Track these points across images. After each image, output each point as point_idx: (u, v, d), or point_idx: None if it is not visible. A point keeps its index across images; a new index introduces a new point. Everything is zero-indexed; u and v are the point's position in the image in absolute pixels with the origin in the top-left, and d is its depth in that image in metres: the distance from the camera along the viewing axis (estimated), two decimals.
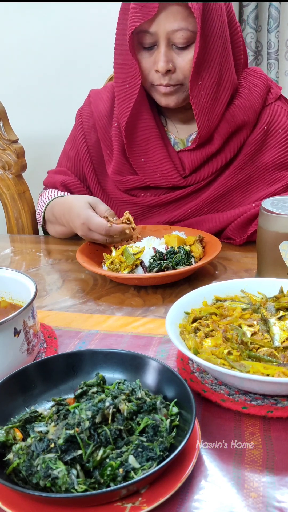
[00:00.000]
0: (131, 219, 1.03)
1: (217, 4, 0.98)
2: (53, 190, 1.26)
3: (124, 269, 0.95)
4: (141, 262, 0.96)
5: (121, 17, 1.03)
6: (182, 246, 0.98)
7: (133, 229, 1.02)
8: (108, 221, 1.00)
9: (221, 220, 1.12)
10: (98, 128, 1.18)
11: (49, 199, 1.23)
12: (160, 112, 1.17)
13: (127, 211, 1.05)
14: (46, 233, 1.31)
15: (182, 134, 1.17)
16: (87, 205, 1.03)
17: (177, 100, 1.07)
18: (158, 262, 0.94)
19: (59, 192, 1.24)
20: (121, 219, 1.02)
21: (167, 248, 0.98)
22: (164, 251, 0.97)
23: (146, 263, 0.96)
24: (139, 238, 1.07)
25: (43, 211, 1.24)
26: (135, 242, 1.04)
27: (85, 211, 1.02)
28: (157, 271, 0.93)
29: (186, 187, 1.14)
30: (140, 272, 0.95)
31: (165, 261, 0.94)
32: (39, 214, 1.27)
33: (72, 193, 1.23)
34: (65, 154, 1.27)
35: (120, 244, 1.03)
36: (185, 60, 1.00)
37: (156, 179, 1.13)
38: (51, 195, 1.23)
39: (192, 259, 0.96)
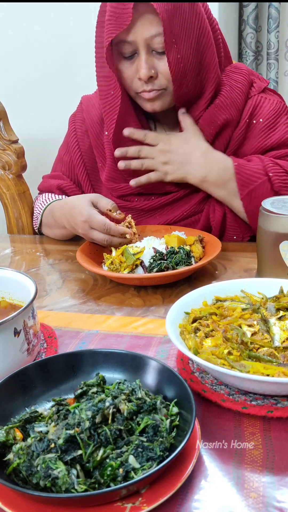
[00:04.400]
0: (133, 223, 1.03)
1: (192, 4, 0.98)
2: (50, 194, 1.26)
3: (124, 269, 0.95)
4: (141, 262, 0.96)
5: (98, 30, 1.03)
6: (182, 246, 0.98)
7: (134, 233, 1.02)
8: (110, 217, 1.00)
9: (217, 211, 1.13)
10: (91, 135, 1.18)
11: (46, 203, 1.23)
12: (148, 117, 1.16)
13: (129, 215, 1.05)
14: (41, 234, 1.31)
15: None
16: (89, 203, 1.03)
17: (163, 104, 1.07)
18: (158, 262, 0.94)
19: (56, 196, 1.24)
20: (122, 223, 1.03)
21: (167, 248, 0.98)
22: (164, 251, 0.97)
23: (146, 263, 0.96)
24: (140, 238, 1.07)
25: (40, 214, 1.24)
26: (136, 241, 1.04)
27: (87, 208, 1.02)
28: (157, 271, 0.93)
29: (177, 191, 1.14)
30: (140, 272, 0.95)
31: (165, 261, 0.94)
32: (37, 217, 1.27)
33: (68, 196, 1.23)
34: (59, 159, 1.27)
35: (118, 246, 1.03)
36: (166, 65, 1.00)
37: (148, 185, 1.13)
38: (48, 199, 1.24)
39: (192, 259, 0.96)
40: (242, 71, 1.12)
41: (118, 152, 1.11)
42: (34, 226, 1.32)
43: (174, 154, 1.09)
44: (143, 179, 1.12)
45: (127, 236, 1.01)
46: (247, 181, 1.05)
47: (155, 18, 0.95)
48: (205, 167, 1.08)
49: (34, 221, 1.32)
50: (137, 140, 1.11)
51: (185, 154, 1.08)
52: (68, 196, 1.22)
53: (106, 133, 1.13)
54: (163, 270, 0.93)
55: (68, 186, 1.23)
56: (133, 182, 1.12)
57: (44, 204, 1.23)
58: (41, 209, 1.24)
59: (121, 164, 1.11)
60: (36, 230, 1.32)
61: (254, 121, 1.11)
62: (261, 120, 1.10)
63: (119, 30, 0.96)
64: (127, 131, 1.10)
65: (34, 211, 1.31)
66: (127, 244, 1.02)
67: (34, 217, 1.32)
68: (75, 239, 1.23)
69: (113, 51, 1.03)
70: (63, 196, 1.23)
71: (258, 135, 1.11)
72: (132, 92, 1.07)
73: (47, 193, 1.26)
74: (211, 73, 1.05)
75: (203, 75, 1.05)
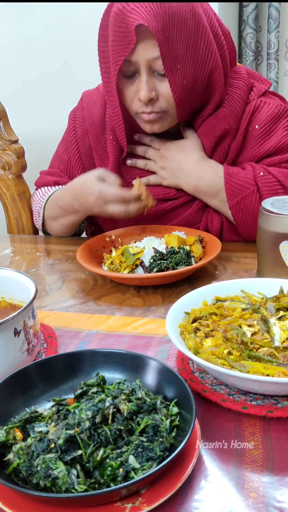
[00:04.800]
0: (143, 188, 1.02)
1: (186, 18, 0.93)
2: (46, 187, 1.24)
3: (124, 269, 0.95)
4: (141, 262, 0.96)
5: (100, 45, 1.01)
6: (182, 246, 0.98)
7: (148, 195, 1.02)
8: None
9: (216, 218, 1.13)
10: (91, 136, 1.17)
11: (45, 196, 1.21)
12: None
13: (137, 177, 1.05)
14: (46, 233, 1.30)
15: None
16: (97, 179, 1.03)
17: (162, 127, 1.06)
18: (158, 262, 0.94)
19: (53, 187, 1.22)
20: (133, 188, 1.02)
21: (167, 248, 0.98)
22: (164, 251, 0.97)
23: (146, 263, 0.96)
24: (140, 238, 1.07)
25: (42, 208, 1.22)
26: (152, 207, 1.04)
27: (98, 184, 1.01)
28: (157, 271, 0.93)
29: (177, 198, 1.13)
30: (140, 272, 0.95)
31: (165, 261, 0.94)
32: (38, 213, 1.25)
33: None
34: (58, 156, 1.26)
35: (135, 217, 1.03)
36: (168, 87, 0.98)
37: (149, 190, 1.11)
38: (47, 192, 1.22)
39: (192, 259, 0.96)
40: (242, 76, 1.10)
41: (129, 161, 1.15)
42: (36, 223, 1.30)
43: (170, 161, 1.10)
44: (143, 179, 1.12)
45: (143, 198, 1.00)
46: (236, 190, 1.05)
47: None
48: (197, 176, 1.08)
49: (35, 219, 1.30)
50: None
51: (180, 162, 1.09)
52: None
53: (111, 137, 1.12)
54: (163, 270, 0.93)
55: (66, 183, 1.21)
56: (136, 181, 1.12)
57: (44, 198, 1.22)
58: (42, 203, 1.23)
59: (128, 161, 1.14)
60: (39, 227, 1.29)
61: (250, 128, 1.09)
62: (257, 126, 1.09)
63: (125, 53, 0.94)
64: (129, 161, 1.14)
65: (33, 208, 1.29)
66: (144, 209, 1.02)
67: (34, 214, 1.29)
68: (75, 238, 1.23)
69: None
70: (61, 187, 1.22)
71: (254, 143, 1.10)
72: (132, 112, 1.05)
73: (44, 188, 1.25)
74: (217, 91, 1.04)
75: (208, 93, 1.04)
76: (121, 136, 1.08)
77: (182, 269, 0.91)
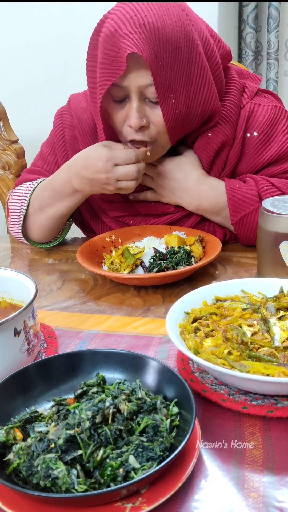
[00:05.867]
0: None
1: (180, 46, 0.89)
2: (28, 183, 1.15)
3: (124, 269, 0.95)
4: (141, 262, 0.96)
5: (89, 64, 0.97)
6: (182, 246, 0.98)
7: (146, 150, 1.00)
8: None
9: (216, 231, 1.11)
10: (82, 147, 1.08)
11: (29, 189, 1.12)
12: None
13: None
14: (23, 236, 1.16)
15: None
16: (103, 145, 0.98)
17: (153, 158, 1.03)
18: (159, 262, 0.94)
19: (36, 182, 1.13)
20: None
21: (167, 248, 0.98)
22: (164, 251, 0.97)
23: (146, 263, 0.96)
24: (140, 238, 1.06)
25: (27, 199, 1.12)
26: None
27: (105, 149, 0.96)
28: (157, 271, 0.93)
29: (175, 212, 1.11)
30: (140, 272, 0.95)
31: (165, 261, 0.94)
32: (19, 209, 1.13)
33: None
34: (43, 157, 1.19)
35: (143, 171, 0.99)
36: (159, 116, 0.94)
37: (146, 206, 1.11)
38: (30, 186, 1.13)
39: (192, 259, 0.96)
40: (233, 80, 1.06)
41: (131, 197, 1.10)
42: (11, 224, 1.16)
43: (168, 179, 1.06)
44: (141, 196, 1.10)
45: (148, 153, 0.98)
46: (239, 207, 1.02)
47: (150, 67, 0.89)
48: (198, 196, 1.05)
49: (11, 219, 1.16)
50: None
51: (179, 181, 1.05)
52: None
53: None
54: (163, 270, 0.93)
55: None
56: (131, 197, 1.10)
57: (27, 191, 1.12)
58: (25, 196, 1.13)
59: None
60: (16, 227, 1.15)
61: (249, 134, 1.05)
62: (255, 133, 1.05)
63: (114, 78, 0.90)
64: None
65: (10, 206, 1.16)
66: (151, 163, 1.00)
67: (11, 212, 1.15)
68: (74, 239, 1.23)
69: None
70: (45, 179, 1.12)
71: (253, 150, 1.06)
72: (122, 138, 1.00)
73: (24, 184, 1.16)
74: (214, 116, 1.01)
75: (204, 119, 1.00)
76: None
77: (182, 269, 0.91)
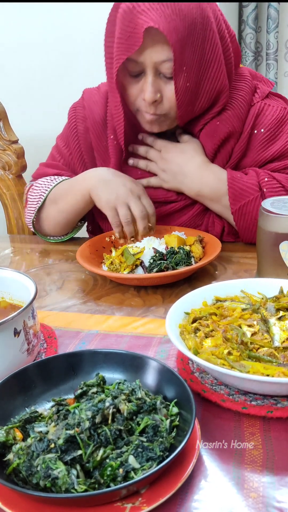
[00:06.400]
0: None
1: (196, 22, 0.93)
2: (50, 177, 1.19)
3: (124, 269, 0.95)
4: (141, 262, 0.96)
5: (107, 39, 1.00)
6: (182, 246, 0.98)
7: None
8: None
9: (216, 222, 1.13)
10: (92, 136, 1.15)
11: (51, 183, 1.16)
12: None
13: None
14: (35, 228, 1.21)
15: None
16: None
17: (161, 127, 1.06)
18: (158, 262, 0.94)
19: (58, 178, 1.17)
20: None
21: (167, 248, 0.98)
22: (164, 251, 0.97)
23: (146, 263, 0.96)
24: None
25: (45, 195, 1.15)
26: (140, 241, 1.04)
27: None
28: (157, 271, 0.93)
29: (179, 201, 1.13)
30: (140, 272, 0.95)
31: (165, 261, 0.94)
32: (38, 201, 1.16)
33: None
34: (58, 150, 1.22)
35: (125, 242, 1.04)
36: (172, 91, 0.98)
37: (150, 193, 1.12)
38: (50, 181, 1.17)
39: (192, 259, 0.96)
40: (245, 78, 1.10)
41: (131, 161, 1.14)
42: (28, 214, 1.20)
43: (171, 163, 1.09)
44: (144, 181, 1.12)
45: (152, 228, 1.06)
46: (239, 196, 1.04)
47: (166, 43, 0.92)
48: (199, 181, 1.07)
49: (28, 210, 1.20)
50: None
51: (180, 165, 1.08)
52: None
53: (112, 136, 1.12)
54: (163, 270, 0.93)
55: (67, 175, 1.19)
56: (130, 161, 1.12)
57: (43, 188, 1.16)
58: (44, 190, 1.16)
59: (130, 161, 1.14)
60: (31, 220, 1.19)
61: (256, 131, 1.08)
62: (262, 130, 1.08)
63: (129, 53, 0.93)
64: (131, 161, 1.14)
65: (30, 197, 1.19)
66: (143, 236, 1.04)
67: (29, 203, 1.19)
68: (75, 239, 1.23)
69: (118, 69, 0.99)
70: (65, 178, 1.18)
71: (259, 146, 1.09)
72: (134, 108, 1.05)
73: (43, 178, 1.19)
74: (221, 97, 1.03)
75: (211, 98, 1.03)
76: (120, 134, 1.08)
77: (182, 269, 0.91)
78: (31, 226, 1.22)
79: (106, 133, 1.14)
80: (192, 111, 1.04)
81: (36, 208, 1.17)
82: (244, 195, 1.04)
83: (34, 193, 1.19)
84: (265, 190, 1.02)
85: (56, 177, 1.19)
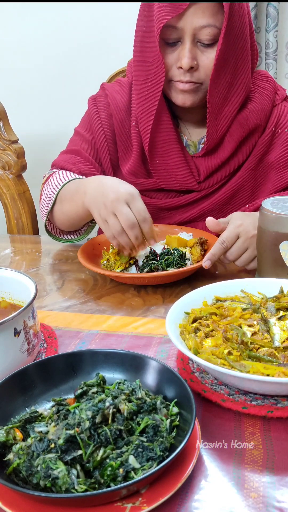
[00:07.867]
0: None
1: (241, 4, 0.98)
2: (68, 172, 1.14)
3: (118, 267, 0.95)
4: (135, 261, 0.96)
5: (142, 13, 1.01)
6: (178, 248, 0.98)
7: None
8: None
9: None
10: (115, 122, 1.14)
11: (67, 177, 1.12)
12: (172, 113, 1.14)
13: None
14: (46, 229, 1.19)
15: (194, 137, 1.16)
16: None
17: (194, 99, 1.05)
18: (150, 262, 0.94)
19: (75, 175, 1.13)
20: None
21: (165, 248, 0.98)
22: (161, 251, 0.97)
23: (140, 263, 0.96)
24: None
25: (63, 184, 1.10)
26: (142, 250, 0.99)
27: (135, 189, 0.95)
28: (148, 271, 0.93)
29: (199, 191, 1.14)
30: (133, 271, 0.95)
31: (156, 262, 0.94)
32: (51, 195, 1.12)
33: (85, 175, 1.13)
34: (80, 136, 1.19)
35: (130, 253, 0.99)
36: (209, 58, 0.99)
37: (171, 182, 1.12)
38: (69, 175, 1.12)
39: (189, 262, 0.96)
40: (269, 79, 1.15)
41: (208, 263, 0.93)
42: (42, 209, 1.17)
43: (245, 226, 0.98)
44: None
45: (157, 230, 1.00)
46: None
47: (208, 8, 0.94)
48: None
49: (42, 202, 1.17)
50: (165, 136, 1.10)
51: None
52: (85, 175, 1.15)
53: (134, 123, 1.11)
54: (153, 271, 0.93)
55: (88, 168, 1.15)
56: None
57: (65, 178, 1.12)
58: (62, 181, 1.12)
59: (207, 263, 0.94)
60: (46, 213, 1.14)
61: (280, 131, 1.13)
62: (286, 130, 1.13)
63: (173, 14, 0.94)
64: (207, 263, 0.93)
65: (45, 191, 1.15)
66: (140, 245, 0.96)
67: (44, 196, 1.15)
68: (74, 239, 1.23)
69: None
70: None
71: (283, 145, 1.13)
72: (166, 80, 1.03)
73: (61, 172, 1.15)
74: (244, 77, 1.04)
75: (237, 76, 1.04)
76: (150, 111, 1.05)
77: (171, 271, 0.90)
78: (45, 222, 1.17)
79: (129, 120, 1.14)
80: (223, 84, 1.02)
81: (48, 209, 1.13)
82: None
83: (47, 189, 1.15)
84: None
85: (67, 174, 1.13)
